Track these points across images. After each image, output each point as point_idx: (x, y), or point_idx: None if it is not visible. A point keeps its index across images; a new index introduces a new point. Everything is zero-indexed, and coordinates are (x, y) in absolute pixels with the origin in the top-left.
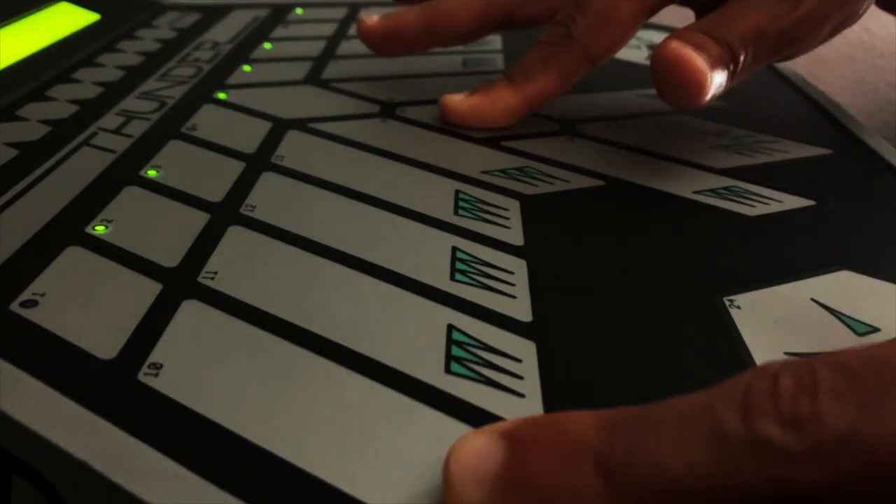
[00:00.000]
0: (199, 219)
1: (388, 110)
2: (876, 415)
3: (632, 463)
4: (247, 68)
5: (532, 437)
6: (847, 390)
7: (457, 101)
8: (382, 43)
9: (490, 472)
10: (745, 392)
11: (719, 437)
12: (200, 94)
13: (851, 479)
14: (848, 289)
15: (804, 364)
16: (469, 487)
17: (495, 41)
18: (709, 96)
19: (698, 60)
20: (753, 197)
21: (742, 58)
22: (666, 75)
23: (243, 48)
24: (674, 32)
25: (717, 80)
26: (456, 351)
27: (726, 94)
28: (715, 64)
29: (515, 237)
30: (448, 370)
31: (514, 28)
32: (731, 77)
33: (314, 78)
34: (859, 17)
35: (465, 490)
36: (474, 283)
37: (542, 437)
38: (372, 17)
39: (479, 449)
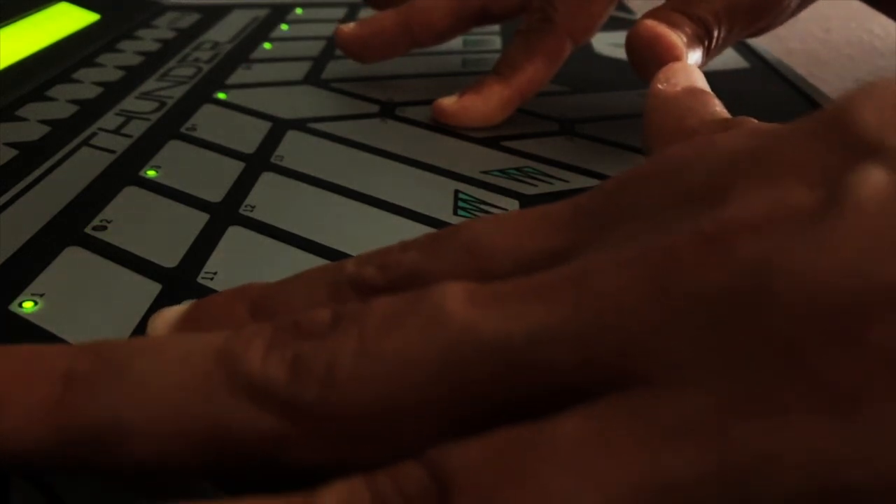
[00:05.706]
0: (199, 219)
1: (387, 110)
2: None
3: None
4: (247, 68)
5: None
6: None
7: (450, 103)
8: (363, 49)
9: (172, 316)
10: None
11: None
12: (200, 94)
13: None
14: None
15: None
16: (154, 324)
17: (495, 41)
18: None
19: (674, 37)
20: None
21: (716, 33)
22: (642, 54)
23: (243, 48)
24: (648, 12)
25: (693, 57)
26: None
27: (725, 94)
28: (690, 40)
29: None
30: None
31: (492, 21)
32: (706, 53)
33: (314, 78)
34: None
35: (150, 327)
36: None
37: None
38: (348, 25)
39: (173, 307)
